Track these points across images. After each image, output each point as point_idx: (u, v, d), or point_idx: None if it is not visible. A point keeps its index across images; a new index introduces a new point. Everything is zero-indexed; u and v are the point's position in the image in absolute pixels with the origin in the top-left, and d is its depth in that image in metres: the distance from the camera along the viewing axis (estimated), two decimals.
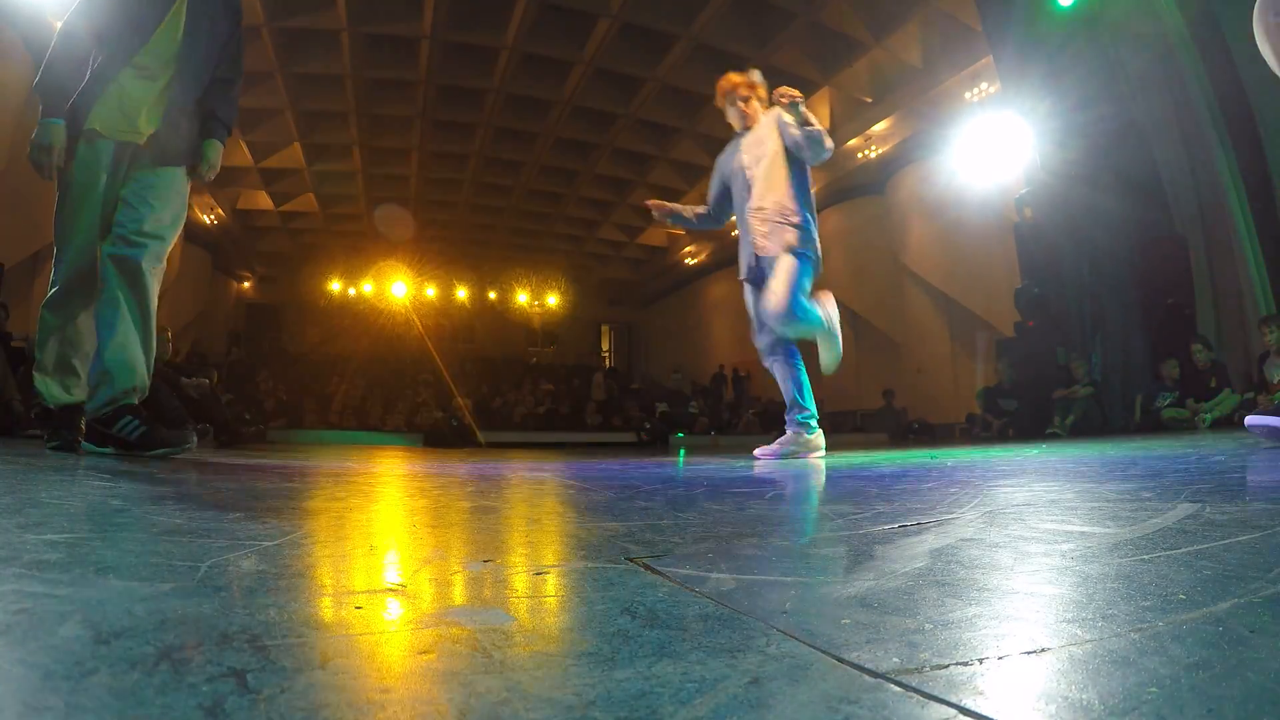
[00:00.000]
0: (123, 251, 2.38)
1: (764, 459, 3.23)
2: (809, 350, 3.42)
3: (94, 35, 2.38)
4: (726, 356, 15.36)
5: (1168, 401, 6.50)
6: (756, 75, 3.63)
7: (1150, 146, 6.86)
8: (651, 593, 0.68)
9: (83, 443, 2.41)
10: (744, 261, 3.50)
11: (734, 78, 3.59)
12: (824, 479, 2.18)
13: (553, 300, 18.84)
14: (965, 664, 0.48)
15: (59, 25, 2.41)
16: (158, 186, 2.50)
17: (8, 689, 0.40)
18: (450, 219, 14.94)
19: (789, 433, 3.39)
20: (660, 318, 19.69)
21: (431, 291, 17.53)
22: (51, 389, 2.43)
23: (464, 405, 11.38)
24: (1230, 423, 5.51)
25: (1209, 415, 5.93)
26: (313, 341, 16.60)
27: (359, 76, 9.74)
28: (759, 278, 3.40)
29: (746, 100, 3.55)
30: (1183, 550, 0.80)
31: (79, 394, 2.44)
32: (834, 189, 12.15)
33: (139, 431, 2.36)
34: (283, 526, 1.03)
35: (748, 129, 3.55)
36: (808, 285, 3.29)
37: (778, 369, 3.44)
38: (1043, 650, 0.50)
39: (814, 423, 3.40)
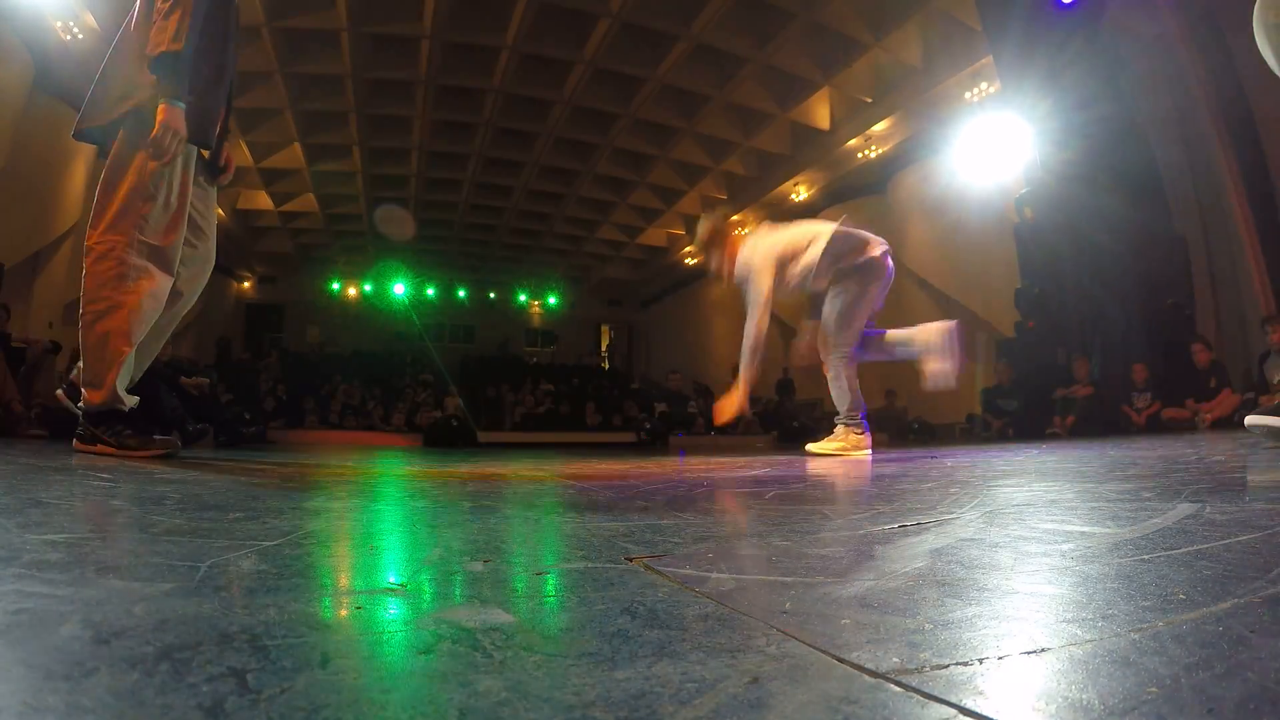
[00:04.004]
0: (199, 286, 2.54)
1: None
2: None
3: (201, 29, 2.18)
4: (726, 357, 15.33)
5: (1149, 403, 6.56)
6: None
7: (1150, 146, 6.86)
8: (651, 593, 0.68)
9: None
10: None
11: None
12: (824, 479, 2.18)
13: (553, 300, 18.84)
14: (965, 664, 0.48)
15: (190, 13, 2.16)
16: (213, 207, 2.63)
17: (8, 689, 0.40)
18: (450, 219, 14.93)
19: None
20: (660, 318, 19.67)
21: (431, 291, 17.54)
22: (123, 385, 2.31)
23: (461, 406, 11.37)
24: (1230, 423, 5.51)
25: (1209, 415, 5.93)
26: (313, 341, 16.60)
27: (359, 76, 9.72)
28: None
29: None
30: (1183, 550, 0.80)
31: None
32: (834, 189, 12.13)
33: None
34: (283, 526, 1.03)
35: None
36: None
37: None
38: (1043, 650, 0.50)
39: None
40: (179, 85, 2.13)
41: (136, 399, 2.33)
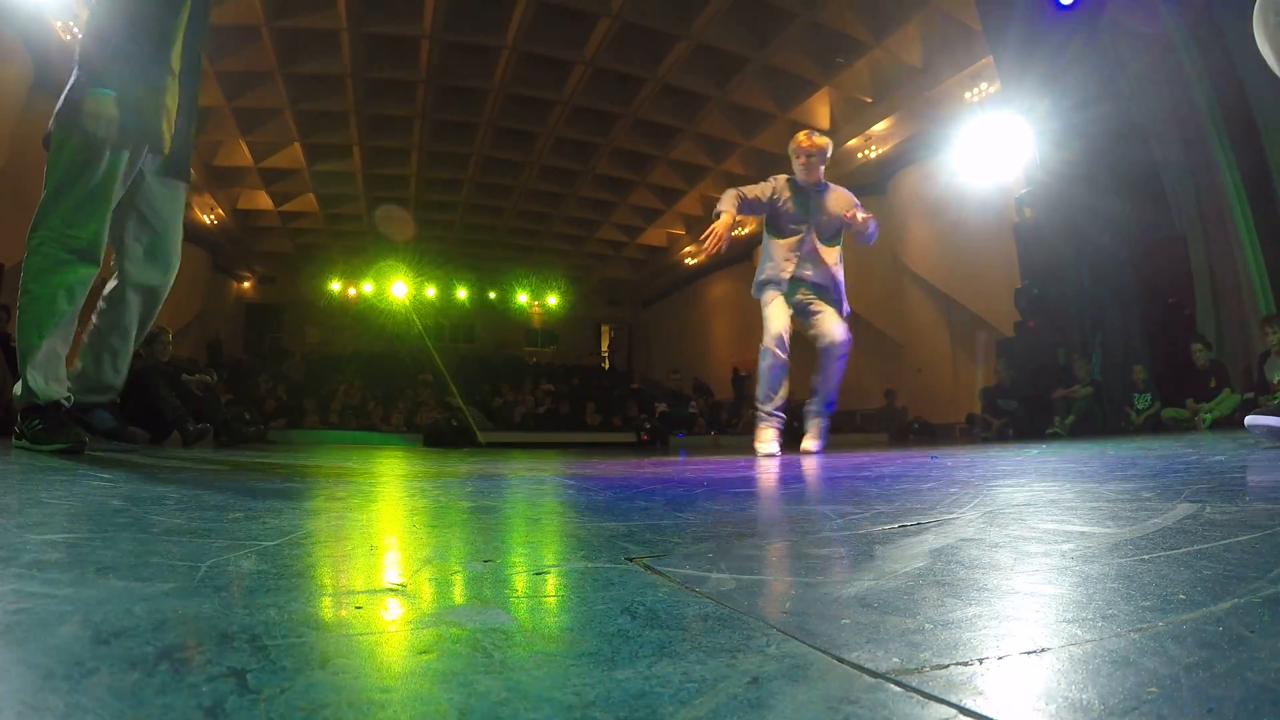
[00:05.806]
0: (156, 283, 2.48)
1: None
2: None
3: (131, 23, 2.33)
4: (727, 356, 15.36)
5: (1149, 404, 6.57)
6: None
7: (1150, 146, 6.86)
8: (651, 593, 0.68)
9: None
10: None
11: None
12: (824, 479, 2.18)
13: (553, 300, 18.84)
14: (965, 664, 0.48)
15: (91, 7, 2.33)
16: (176, 207, 2.54)
17: (8, 689, 0.40)
18: (450, 219, 14.94)
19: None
20: (660, 318, 19.68)
21: (431, 291, 17.54)
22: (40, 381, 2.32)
23: (462, 405, 11.37)
24: (1230, 423, 5.50)
25: (1209, 415, 5.93)
26: (313, 341, 16.59)
27: (359, 76, 9.73)
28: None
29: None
30: (1183, 550, 0.80)
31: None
32: None
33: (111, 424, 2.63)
34: (283, 526, 1.03)
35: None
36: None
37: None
38: (1043, 650, 0.50)
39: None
40: (100, 75, 2.25)
41: (61, 394, 2.33)
